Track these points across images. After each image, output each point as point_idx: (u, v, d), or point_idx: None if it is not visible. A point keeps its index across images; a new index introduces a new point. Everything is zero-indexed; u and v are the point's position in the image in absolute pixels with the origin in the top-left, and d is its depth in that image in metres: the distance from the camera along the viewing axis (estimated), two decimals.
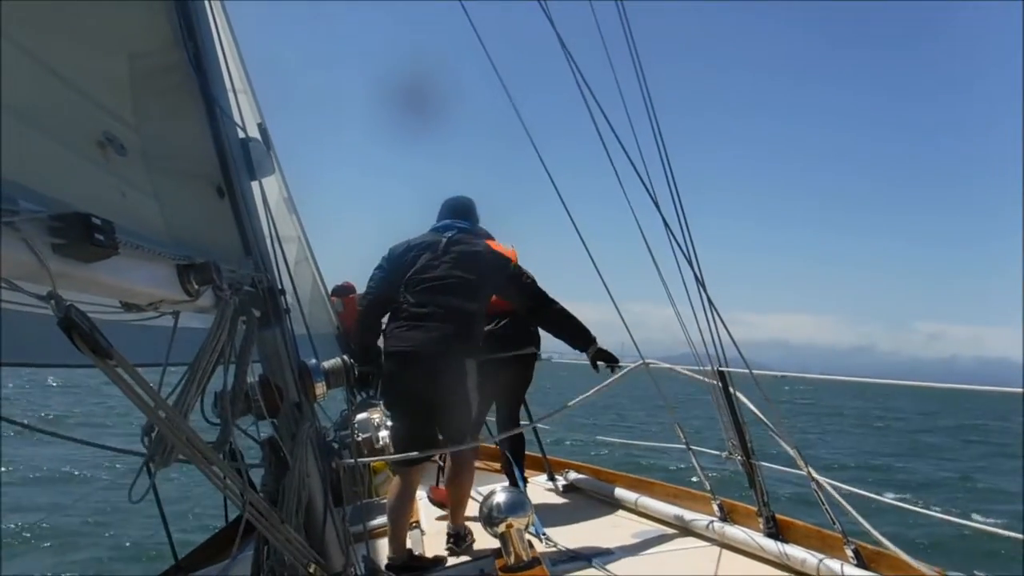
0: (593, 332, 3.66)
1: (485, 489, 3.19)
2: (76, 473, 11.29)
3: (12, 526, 8.63)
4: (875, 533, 2.49)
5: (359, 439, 4.97)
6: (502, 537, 2.34)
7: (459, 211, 3.80)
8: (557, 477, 4.47)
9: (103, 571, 7.70)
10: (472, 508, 3.50)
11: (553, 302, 3.73)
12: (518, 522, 2.33)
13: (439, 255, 3.54)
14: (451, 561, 3.05)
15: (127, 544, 8.29)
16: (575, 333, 3.69)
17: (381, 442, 4.62)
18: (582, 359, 3.69)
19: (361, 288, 5.90)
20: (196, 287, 1.51)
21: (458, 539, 3.44)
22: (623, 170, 2.99)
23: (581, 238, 3.56)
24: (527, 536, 2.37)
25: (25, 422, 1.42)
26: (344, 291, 6.52)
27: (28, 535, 8.51)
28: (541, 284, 3.72)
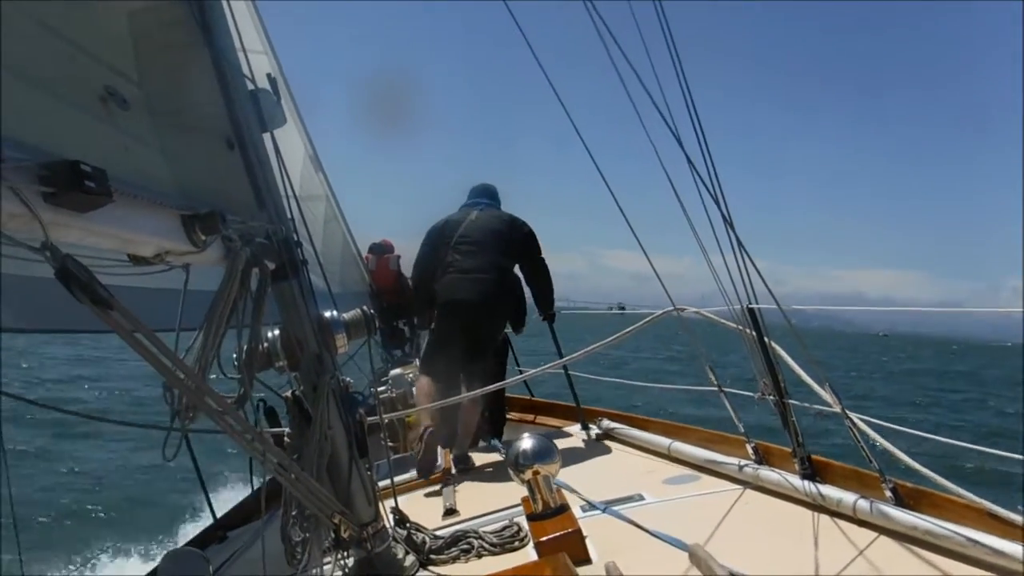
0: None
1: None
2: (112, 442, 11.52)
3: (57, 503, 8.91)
4: (913, 463, 2.41)
5: (393, 394, 5.00)
6: (529, 484, 2.33)
7: (484, 193, 4.72)
8: (590, 425, 4.46)
9: (143, 530, 7.94)
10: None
11: (546, 273, 4.61)
12: (545, 469, 2.32)
13: (474, 221, 4.42)
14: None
15: (167, 506, 8.52)
16: (547, 300, 4.67)
17: (414, 398, 4.65)
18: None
19: (399, 247, 6.13)
20: (203, 237, 1.48)
21: (464, 460, 4.16)
22: (640, 101, 2.86)
23: (629, 224, 3.55)
24: (554, 483, 2.36)
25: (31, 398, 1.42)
26: (381, 249, 6.48)
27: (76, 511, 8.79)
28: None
